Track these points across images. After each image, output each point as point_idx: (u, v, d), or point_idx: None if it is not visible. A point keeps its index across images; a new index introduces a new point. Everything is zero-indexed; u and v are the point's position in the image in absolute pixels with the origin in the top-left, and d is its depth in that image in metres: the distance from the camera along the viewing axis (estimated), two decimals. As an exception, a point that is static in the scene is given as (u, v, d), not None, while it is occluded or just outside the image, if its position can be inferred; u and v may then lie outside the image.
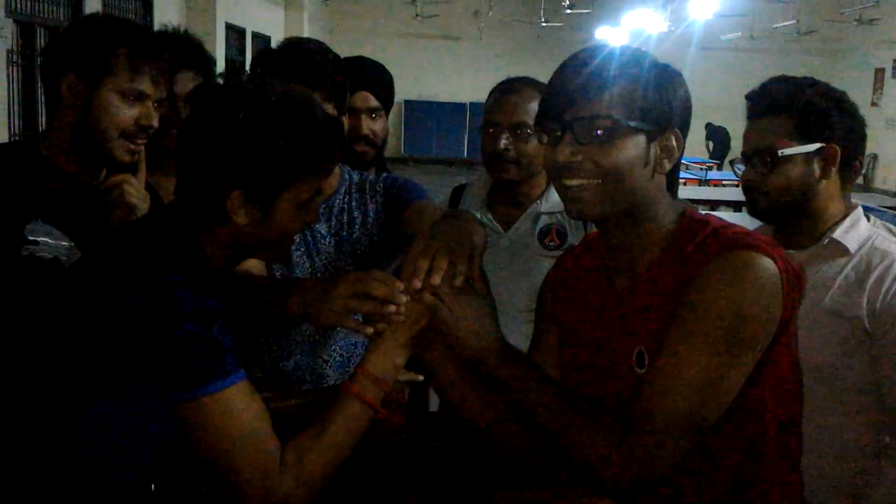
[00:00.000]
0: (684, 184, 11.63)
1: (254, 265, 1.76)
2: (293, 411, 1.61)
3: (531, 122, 1.95)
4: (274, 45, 2.09)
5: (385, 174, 2.16)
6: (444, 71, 19.51)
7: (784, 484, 1.37)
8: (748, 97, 1.87)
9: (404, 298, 1.39)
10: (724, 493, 1.32)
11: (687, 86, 1.39)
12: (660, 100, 1.32)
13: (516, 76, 2.28)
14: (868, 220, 1.88)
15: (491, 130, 2.18)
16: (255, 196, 1.35)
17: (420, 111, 19.40)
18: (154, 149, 2.11)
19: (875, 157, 17.32)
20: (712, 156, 15.08)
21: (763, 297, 1.23)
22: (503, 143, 2.14)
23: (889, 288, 1.73)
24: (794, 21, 15.88)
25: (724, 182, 11.37)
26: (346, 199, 2.05)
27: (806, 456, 1.58)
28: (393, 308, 1.39)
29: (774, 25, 16.29)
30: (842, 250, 1.80)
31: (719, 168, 13.66)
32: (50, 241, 1.69)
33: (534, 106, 1.91)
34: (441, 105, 19.32)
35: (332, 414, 1.37)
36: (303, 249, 1.98)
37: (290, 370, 1.97)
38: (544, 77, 2.51)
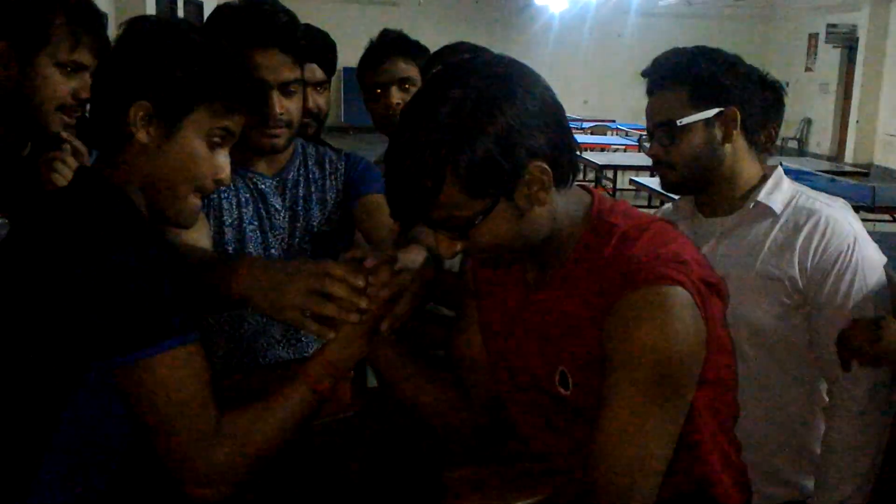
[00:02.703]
0: (624, 150, 11.77)
1: (199, 238, 1.66)
2: (248, 387, 1.57)
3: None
4: (206, 10, 1.95)
5: (346, 152, 2.05)
6: (383, 38, 19.24)
7: (717, 444, 1.37)
8: (644, 74, 1.87)
9: (364, 303, 1.34)
10: None
11: (541, 91, 1.22)
12: (489, 159, 1.17)
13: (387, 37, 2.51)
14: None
15: (378, 92, 2.45)
16: (159, 110, 1.28)
17: (359, 79, 19.13)
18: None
19: (809, 121, 17.67)
20: None
21: (685, 333, 1.21)
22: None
23: (818, 245, 1.76)
24: (731, -13, 16.04)
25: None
26: (301, 172, 1.94)
27: (748, 418, 1.61)
28: (354, 318, 1.34)
29: (711, -9, 16.44)
30: (768, 212, 1.82)
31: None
32: None
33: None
34: (381, 72, 19.09)
35: (282, 394, 1.34)
36: (256, 223, 1.87)
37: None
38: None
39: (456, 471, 1.45)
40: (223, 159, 1.36)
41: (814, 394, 1.84)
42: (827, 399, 1.82)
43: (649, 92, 1.86)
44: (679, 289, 1.21)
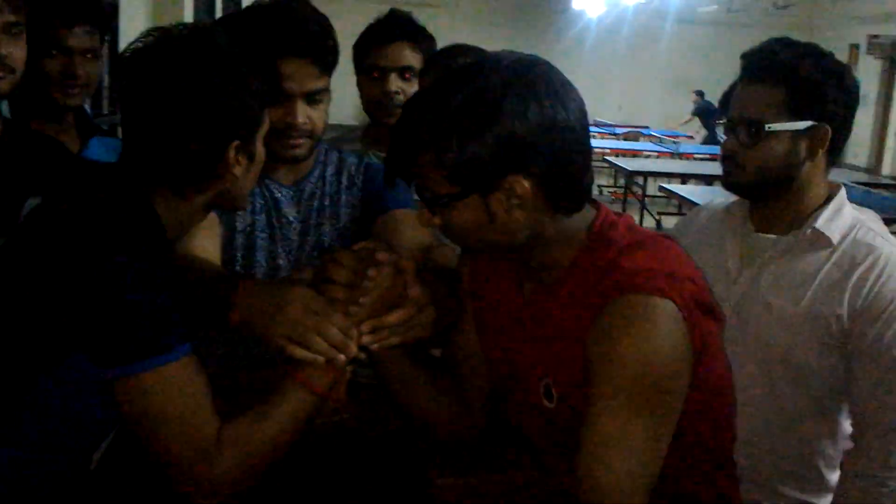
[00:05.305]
0: (657, 156, 11.70)
1: (208, 244, 1.62)
2: (245, 384, 1.58)
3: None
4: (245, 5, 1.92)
5: (367, 162, 1.98)
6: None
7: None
8: (744, 56, 1.74)
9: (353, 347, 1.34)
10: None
11: (544, 105, 1.17)
12: (474, 157, 1.18)
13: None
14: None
15: (376, 75, 2.31)
16: (244, 140, 1.34)
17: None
18: (49, 101, 2.07)
19: (847, 133, 17.41)
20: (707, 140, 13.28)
21: (669, 345, 1.18)
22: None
23: (872, 286, 1.64)
24: (771, -5, 15.87)
25: (695, 156, 11.41)
26: (318, 184, 1.88)
27: (763, 445, 1.61)
28: (341, 358, 1.32)
29: (751, -1, 16.28)
30: (824, 242, 1.69)
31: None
32: None
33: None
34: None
35: (277, 399, 1.31)
36: (267, 232, 1.82)
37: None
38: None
39: (446, 478, 1.44)
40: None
41: (837, 428, 1.75)
42: (849, 434, 1.74)
43: (743, 79, 1.73)
44: (666, 301, 1.18)
